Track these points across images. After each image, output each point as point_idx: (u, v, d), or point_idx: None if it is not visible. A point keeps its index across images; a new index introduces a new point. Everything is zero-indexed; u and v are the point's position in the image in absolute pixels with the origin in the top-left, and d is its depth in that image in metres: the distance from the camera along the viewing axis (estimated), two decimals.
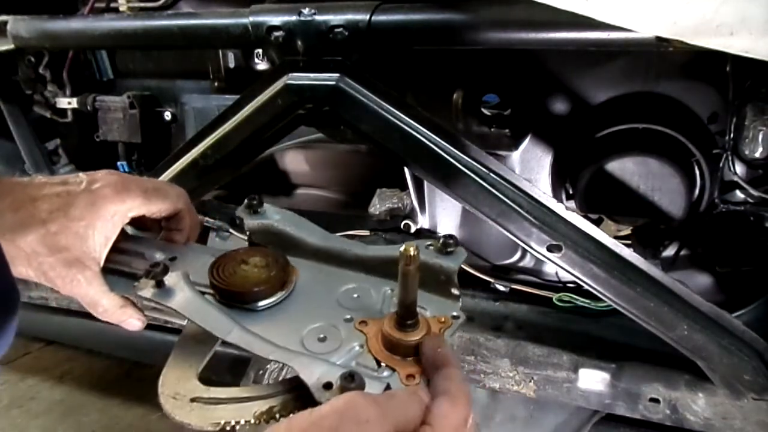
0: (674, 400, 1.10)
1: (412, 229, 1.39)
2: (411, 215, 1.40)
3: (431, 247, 0.78)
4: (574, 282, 1.08)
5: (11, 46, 1.36)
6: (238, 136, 1.20)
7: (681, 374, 1.11)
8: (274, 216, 0.87)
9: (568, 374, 1.17)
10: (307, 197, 1.70)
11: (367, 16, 1.04)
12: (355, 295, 0.78)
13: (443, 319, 0.72)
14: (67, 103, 1.66)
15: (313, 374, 0.61)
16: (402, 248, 0.61)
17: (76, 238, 0.73)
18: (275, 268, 0.77)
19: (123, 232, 0.81)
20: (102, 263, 0.76)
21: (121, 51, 1.73)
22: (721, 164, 1.12)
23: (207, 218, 1.62)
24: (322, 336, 0.70)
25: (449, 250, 0.76)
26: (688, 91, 1.20)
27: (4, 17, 1.36)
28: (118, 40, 1.27)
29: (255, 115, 1.18)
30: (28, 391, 2.13)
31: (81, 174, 0.78)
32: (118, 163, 1.72)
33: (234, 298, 0.74)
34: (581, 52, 1.19)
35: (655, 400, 1.11)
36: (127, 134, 1.66)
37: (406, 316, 0.66)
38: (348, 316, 0.73)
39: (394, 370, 0.65)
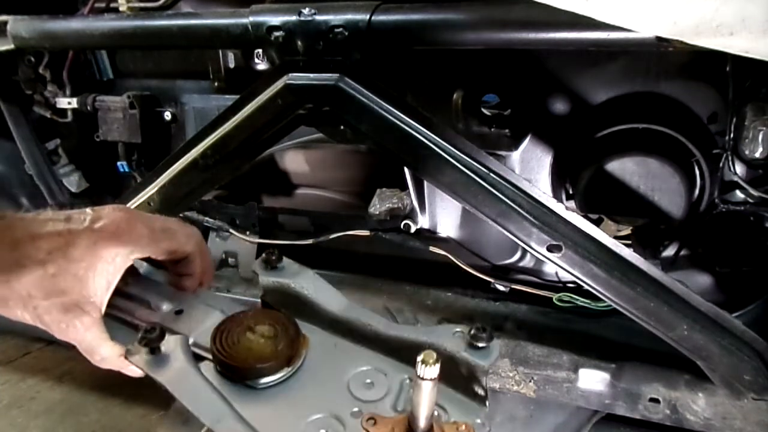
0: (674, 400, 1.10)
1: (412, 229, 1.39)
2: (411, 215, 1.40)
3: (460, 335, 0.68)
4: (574, 282, 1.08)
5: (11, 46, 1.36)
6: (238, 136, 1.20)
7: (681, 374, 1.11)
8: (293, 275, 0.80)
9: (568, 374, 1.17)
10: (307, 197, 1.70)
11: (367, 16, 1.04)
12: (368, 381, 0.70)
13: (464, 427, 0.61)
14: (67, 103, 1.66)
15: None
16: (421, 356, 0.53)
17: (75, 280, 0.68)
18: (284, 340, 0.70)
19: (132, 272, 0.76)
20: (103, 308, 0.71)
21: (121, 51, 1.73)
22: (721, 164, 1.11)
23: (207, 218, 1.63)
24: (323, 431, 0.63)
25: (481, 345, 0.66)
26: (688, 91, 1.20)
27: (4, 17, 1.35)
28: (118, 40, 1.27)
29: (255, 115, 1.18)
30: (28, 391, 2.12)
31: (88, 209, 0.74)
32: (118, 163, 1.72)
33: (234, 372, 0.68)
34: (581, 52, 1.19)
35: (655, 400, 1.11)
36: (127, 134, 1.66)
37: (419, 428, 0.58)
38: (356, 409, 0.66)
39: None
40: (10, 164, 1.81)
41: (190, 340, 0.72)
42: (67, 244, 0.69)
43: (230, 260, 1.63)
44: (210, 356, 0.70)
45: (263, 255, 0.81)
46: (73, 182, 1.81)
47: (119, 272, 0.71)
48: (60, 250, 0.68)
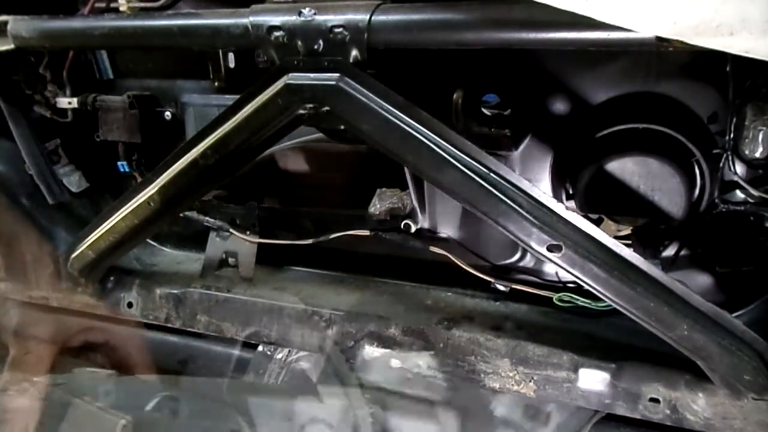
0: (674, 400, 1.10)
1: (412, 229, 1.39)
2: (411, 215, 1.40)
3: None
4: (574, 282, 1.08)
5: (11, 46, 1.36)
6: (238, 136, 1.20)
7: (681, 374, 1.11)
8: None
9: (568, 374, 1.17)
10: (307, 197, 1.70)
11: (367, 16, 1.04)
12: None
13: None
14: (67, 103, 1.65)
15: None
16: None
17: None
18: None
19: None
20: None
21: (121, 51, 1.73)
22: (721, 164, 1.11)
23: (207, 218, 1.63)
24: None
25: None
26: (688, 91, 1.20)
27: (4, 17, 1.36)
28: (118, 40, 1.27)
29: (255, 115, 1.18)
30: None
31: None
32: (119, 162, 1.72)
33: None
34: (581, 52, 1.19)
35: (655, 400, 1.11)
36: (127, 134, 1.66)
37: None
38: None
39: None
40: (10, 164, 1.80)
41: None
42: None
43: (230, 260, 1.64)
44: None
45: None
46: (73, 182, 1.81)
47: None
48: None
